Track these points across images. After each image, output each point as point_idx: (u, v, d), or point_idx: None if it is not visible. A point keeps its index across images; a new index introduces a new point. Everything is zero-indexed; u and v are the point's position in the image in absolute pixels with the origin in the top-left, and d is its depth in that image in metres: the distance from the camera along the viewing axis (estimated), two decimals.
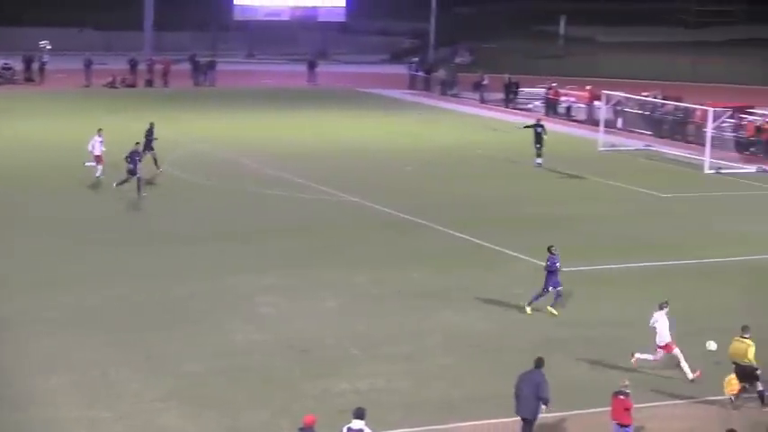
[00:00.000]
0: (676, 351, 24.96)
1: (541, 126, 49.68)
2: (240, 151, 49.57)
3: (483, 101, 72.27)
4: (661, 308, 25.44)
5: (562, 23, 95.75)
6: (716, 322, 28.61)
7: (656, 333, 25.16)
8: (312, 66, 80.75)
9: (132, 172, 40.72)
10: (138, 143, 42.32)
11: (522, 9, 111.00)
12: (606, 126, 57.01)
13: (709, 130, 51.56)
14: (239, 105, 66.67)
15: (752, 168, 50.69)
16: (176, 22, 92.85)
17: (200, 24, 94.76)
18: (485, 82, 72.87)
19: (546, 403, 21.22)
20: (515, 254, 34.53)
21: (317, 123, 61.55)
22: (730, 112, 55.91)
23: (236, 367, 24.76)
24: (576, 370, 25.19)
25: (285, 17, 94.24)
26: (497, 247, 35.21)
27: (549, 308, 29.01)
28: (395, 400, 23.18)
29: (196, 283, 30.76)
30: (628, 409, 20.95)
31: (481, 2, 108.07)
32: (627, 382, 21.33)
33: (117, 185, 41.08)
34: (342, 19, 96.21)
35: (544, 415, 22.45)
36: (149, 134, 45.29)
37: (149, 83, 75.87)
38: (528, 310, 28.96)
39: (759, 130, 54.77)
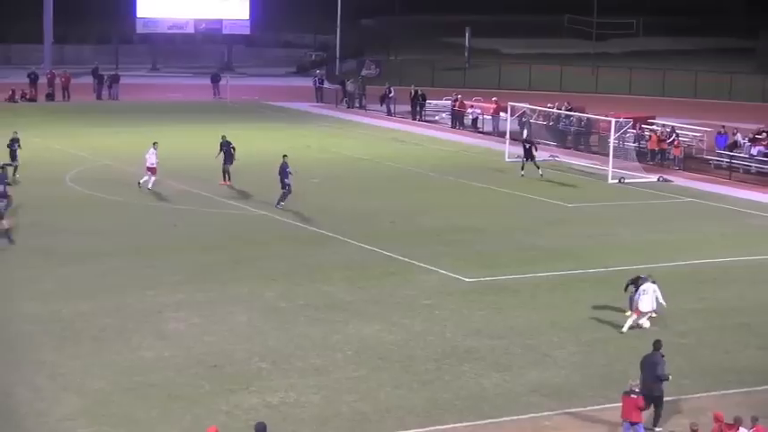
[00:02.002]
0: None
1: (530, 143, 51.76)
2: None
3: (390, 113, 72.60)
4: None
5: (467, 35, 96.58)
6: (620, 328, 29.11)
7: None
8: (215, 79, 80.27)
9: (284, 185, 42.09)
10: (285, 156, 43.01)
11: (427, 21, 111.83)
12: (512, 137, 57.59)
13: (612, 140, 52.41)
14: (144, 119, 66.04)
15: (653, 178, 51.62)
16: (77, 34, 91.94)
17: (102, 37, 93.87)
18: (391, 94, 73.21)
19: (666, 379, 23.07)
20: (424, 265, 34.72)
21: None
22: (632, 123, 56.90)
23: (145, 384, 24.52)
24: (486, 380, 25.41)
25: (189, 30, 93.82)
26: (406, 259, 35.37)
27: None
28: (306, 414, 23.16)
29: (103, 300, 30.40)
30: (640, 408, 21.78)
31: (386, 14, 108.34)
32: (636, 382, 22.15)
33: (277, 205, 42.06)
34: (246, 32, 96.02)
35: (454, 425, 22.69)
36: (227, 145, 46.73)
37: (50, 97, 74.88)
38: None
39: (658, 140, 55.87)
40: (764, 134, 55.86)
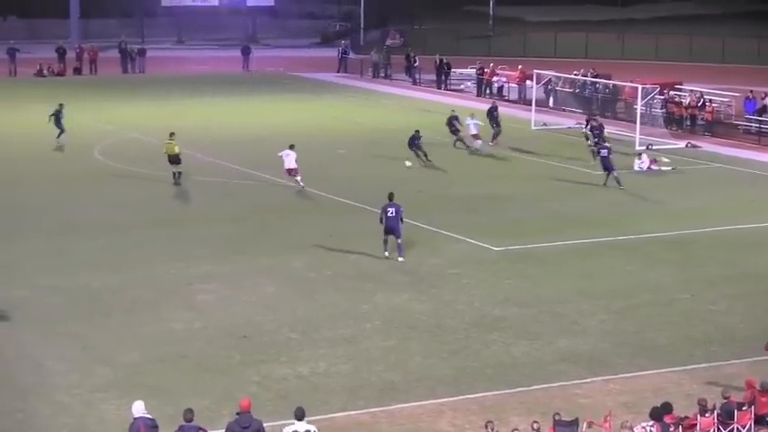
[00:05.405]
0: None
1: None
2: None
3: (415, 82, 72.44)
4: None
5: (491, 3, 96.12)
6: (650, 296, 29.05)
7: None
8: (246, 51, 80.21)
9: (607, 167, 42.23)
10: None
11: None
12: (538, 105, 57.42)
13: (639, 106, 52.13)
14: (171, 92, 66.22)
15: (681, 144, 51.33)
16: (102, 8, 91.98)
17: (126, 11, 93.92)
18: (416, 63, 73.03)
19: None
20: (452, 234, 34.68)
21: (251, 109, 61.36)
22: (658, 89, 56.55)
23: (175, 355, 24.62)
24: (515, 348, 25.38)
25: (214, 2, 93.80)
26: (433, 228, 35.34)
27: None
28: (336, 384, 23.20)
29: (132, 272, 30.51)
30: None
31: None
32: None
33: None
34: (270, 3, 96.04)
35: (484, 394, 22.69)
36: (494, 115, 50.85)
37: (78, 71, 75.14)
38: None
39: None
40: None
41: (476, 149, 48.48)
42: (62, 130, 47.75)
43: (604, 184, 41.78)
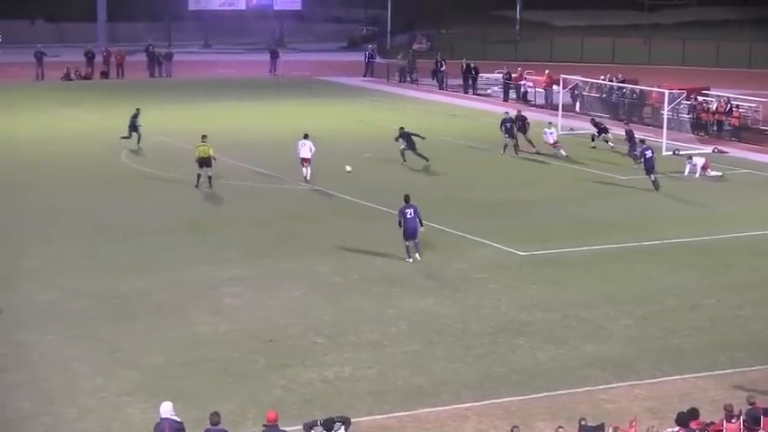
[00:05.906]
0: None
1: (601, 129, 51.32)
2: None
3: (442, 87, 72.41)
4: None
5: (518, 8, 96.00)
6: (676, 301, 28.95)
7: None
8: (274, 55, 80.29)
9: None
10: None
11: None
12: (564, 110, 57.28)
13: (666, 111, 51.94)
14: (197, 96, 66.38)
15: (708, 149, 51.11)
16: (130, 12, 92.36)
17: (154, 14, 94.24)
18: (443, 68, 73.00)
19: None
20: (477, 239, 34.64)
21: (277, 112, 61.44)
22: (685, 94, 56.35)
23: (201, 359, 24.69)
24: (541, 353, 25.35)
25: (241, 6, 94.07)
26: (459, 233, 35.31)
27: None
28: (362, 388, 23.22)
29: (157, 276, 30.62)
30: None
31: None
32: None
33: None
34: (297, 7, 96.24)
35: (510, 399, 22.66)
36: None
37: (105, 75, 75.39)
38: None
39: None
40: None
41: (561, 156, 48.27)
42: (136, 134, 48.37)
43: (657, 189, 41.70)
